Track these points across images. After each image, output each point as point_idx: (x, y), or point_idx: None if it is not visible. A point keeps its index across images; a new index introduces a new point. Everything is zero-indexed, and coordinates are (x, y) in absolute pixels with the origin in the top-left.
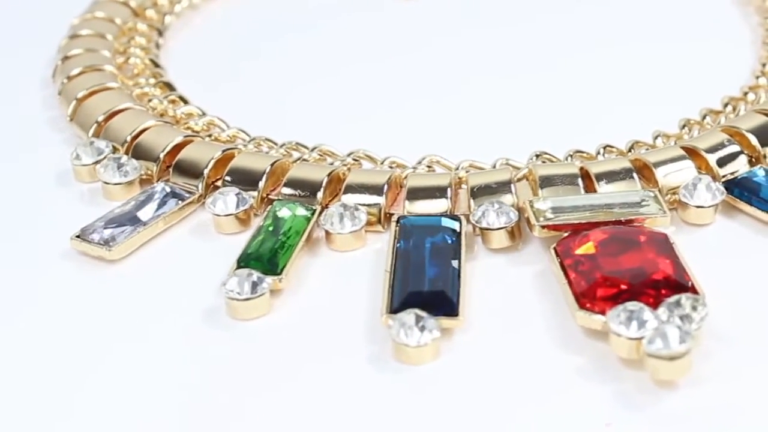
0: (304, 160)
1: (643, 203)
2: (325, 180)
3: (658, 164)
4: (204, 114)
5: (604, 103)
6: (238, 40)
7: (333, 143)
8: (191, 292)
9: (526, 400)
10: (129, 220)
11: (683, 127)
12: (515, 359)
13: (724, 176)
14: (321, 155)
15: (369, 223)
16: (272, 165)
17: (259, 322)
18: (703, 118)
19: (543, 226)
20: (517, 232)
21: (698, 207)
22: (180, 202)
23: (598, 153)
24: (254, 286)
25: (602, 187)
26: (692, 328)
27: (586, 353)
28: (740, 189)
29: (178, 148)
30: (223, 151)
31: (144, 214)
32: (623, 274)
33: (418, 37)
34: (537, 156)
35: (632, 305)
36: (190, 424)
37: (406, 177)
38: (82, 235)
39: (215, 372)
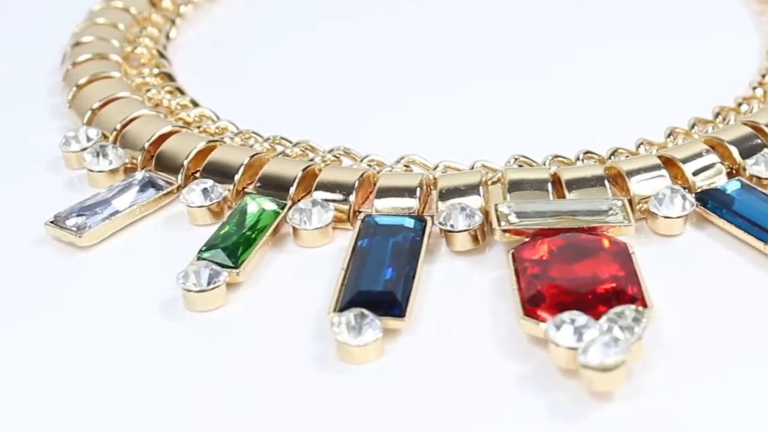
0: (286, 154)
1: (610, 212)
2: (299, 176)
3: (631, 173)
4: (196, 105)
5: (606, 104)
6: (253, 33)
7: (332, 141)
8: (155, 282)
9: (460, 407)
10: (103, 207)
11: (669, 135)
12: (457, 364)
13: (700, 187)
14: (303, 150)
15: (339, 220)
16: (250, 158)
17: (214, 314)
18: (692, 127)
19: (505, 230)
20: (480, 236)
21: (666, 217)
22: (158, 191)
23: (578, 159)
24: (210, 278)
25: (572, 194)
26: (630, 340)
27: (529, 361)
28: (714, 201)
29: (163, 138)
30: (208, 142)
31: (120, 202)
32: (571, 282)
33: (424, 34)
34: (515, 159)
35: (573, 314)
36: (133, 410)
37: (377, 176)
38: (56, 221)
39: (160, 361)
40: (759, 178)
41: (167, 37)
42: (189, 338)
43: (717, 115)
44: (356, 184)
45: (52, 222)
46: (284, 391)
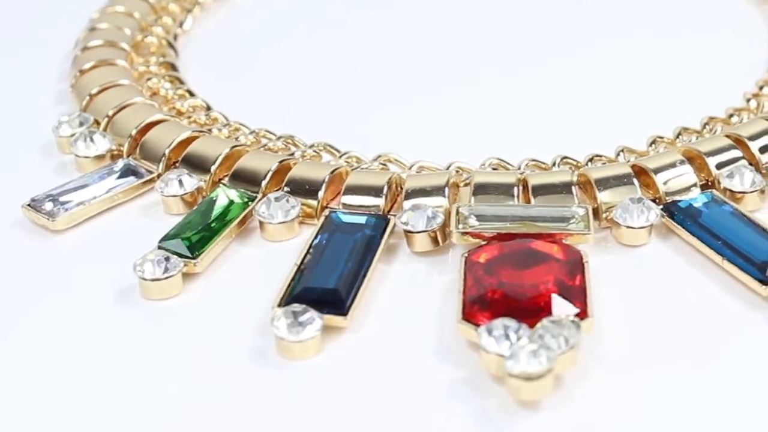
0: (269, 148)
1: (572, 219)
2: (272, 170)
3: (600, 181)
4: (192, 95)
5: (608, 105)
6: (268, 27)
7: (330, 139)
8: (118, 269)
9: (387, 410)
10: (80, 192)
11: (651, 143)
12: (393, 366)
13: (670, 198)
14: (285, 145)
15: (308, 216)
16: (230, 150)
17: (168, 303)
18: (677, 136)
19: (462, 233)
20: (441, 237)
21: (629, 227)
22: (137, 179)
23: (554, 164)
24: (165, 267)
25: (537, 200)
26: (560, 349)
27: (465, 367)
28: (681, 213)
29: (150, 126)
30: (193, 132)
31: (97, 188)
32: (515, 288)
33: (432, 33)
34: (491, 162)
35: (506, 321)
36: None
37: (348, 173)
38: (31, 204)
39: (107, 347)
40: (732, 191)
41: (181, 26)
42: (140, 326)
43: (705, 125)
44: (326, 181)
45: (28, 205)
46: (218, 384)
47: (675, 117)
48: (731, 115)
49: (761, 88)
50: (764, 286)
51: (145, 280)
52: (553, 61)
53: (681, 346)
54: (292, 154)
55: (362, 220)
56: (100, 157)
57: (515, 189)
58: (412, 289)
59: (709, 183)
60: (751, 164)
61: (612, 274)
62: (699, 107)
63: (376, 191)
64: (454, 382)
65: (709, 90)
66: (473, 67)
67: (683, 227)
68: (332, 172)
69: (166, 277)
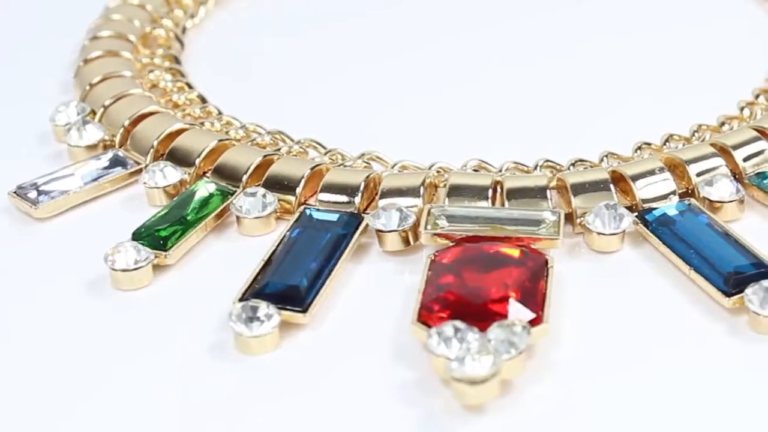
0: (258, 143)
1: (542, 224)
2: (254, 165)
3: (575, 186)
4: (190, 88)
5: (610, 105)
6: (283, 25)
7: (324, 137)
8: (95, 259)
9: (334, 409)
10: (65, 181)
11: (637, 149)
12: (347, 365)
13: (648, 206)
14: (274, 140)
15: (286, 212)
16: (217, 144)
17: (137, 294)
18: (664, 143)
19: (432, 234)
20: (413, 237)
21: (600, 234)
22: (123, 170)
23: (536, 167)
24: (136, 259)
25: (510, 203)
26: (508, 354)
27: (418, 368)
28: (655, 221)
29: (143, 118)
30: (185, 124)
31: (83, 178)
32: (471, 291)
33: (435, 32)
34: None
35: (457, 324)
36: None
37: (328, 170)
38: (17, 191)
39: (76, 337)
40: (710, 200)
41: (192, 17)
42: (106, 316)
43: (694, 132)
44: (304, 178)
45: (14, 192)
46: (174, 376)
47: (674, 118)
48: (722, 123)
49: (757, 96)
50: (727, 298)
51: (115, 270)
52: (553, 60)
53: (636, 354)
54: (279, 149)
55: (335, 217)
56: (92, 147)
57: (489, 191)
58: (378, 289)
59: (689, 191)
60: (734, 174)
61: (579, 280)
62: (697, 109)
63: (352, 189)
64: (405, 384)
65: (709, 91)
66: (472, 68)
67: (655, 235)
68: (312, 169)
69: (136, 269)
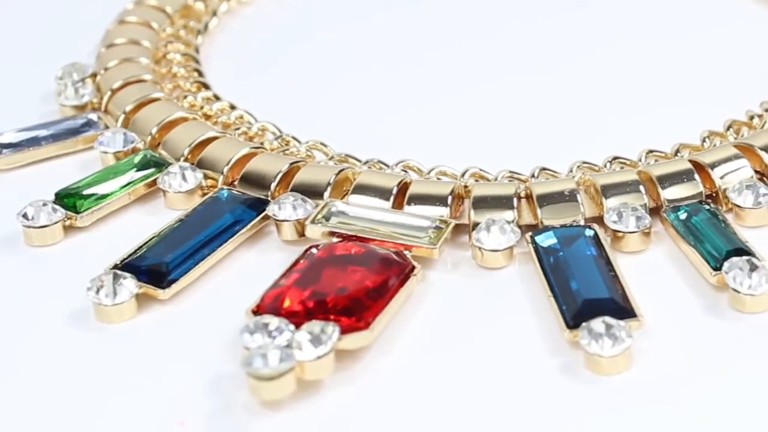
0: (250, 138)
1: (426, 232)
2: (234, 159)
3: (542, 197)
4: (207, 88)
5: (616, 109)
6: (298, 26)
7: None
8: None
9: (154, 386)
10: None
11: (611, 161)
12: (182, 345)
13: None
14: (283, 144)
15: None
16: (207, 138)
17: (44, 251)
18: (648, 153)
19: (315, 227)
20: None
21: (491, 251)
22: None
23: (496, 178)
24: (49, 217)
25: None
26: (306, 354)
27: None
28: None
29: (142, 105)
30: (186, 114)
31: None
32: (318, 288)
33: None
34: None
35: (267, 319)
36: None
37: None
38: None
39: None
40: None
41: (214, 14)
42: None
43: (677, 152)
44: (276, 179)
45: None
46: (39, 344)
47: (674, 119)
48: (704, 140)
49: (767, 110)
50: (568, 330)
51: (30, 228)
52: (570, 65)
53: (453, 372)
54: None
55: (239, 201)
56: (78, 107)
57: (449, 199)
58: (258, 276)
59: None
60: (712, 193)
61: (451, 293)
62: (699, 112)
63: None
64: (221, 375)
65: (712, 94)
66: (474, 73)
67: (536, 256)
68: (291, 164)
69: (43, 226)
